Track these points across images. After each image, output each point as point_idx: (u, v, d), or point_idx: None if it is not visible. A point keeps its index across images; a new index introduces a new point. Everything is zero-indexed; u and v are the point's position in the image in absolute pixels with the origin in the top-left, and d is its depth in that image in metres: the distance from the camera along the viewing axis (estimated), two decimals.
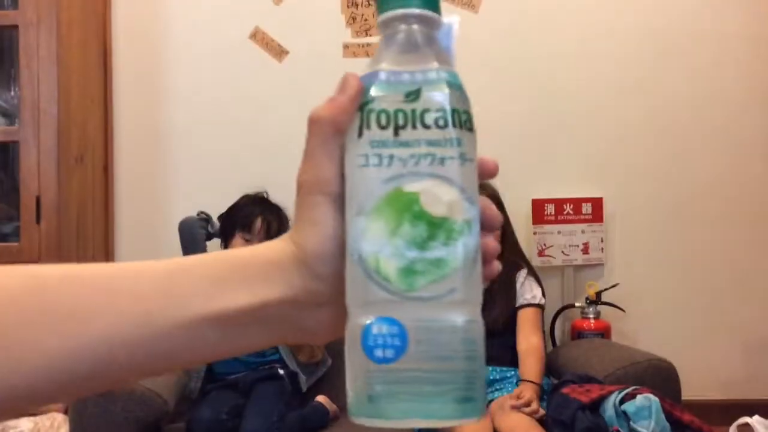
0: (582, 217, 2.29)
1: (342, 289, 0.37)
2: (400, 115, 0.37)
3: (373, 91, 0.38)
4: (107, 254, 2.28)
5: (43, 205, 2.27)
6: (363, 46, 2.32)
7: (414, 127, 0.37)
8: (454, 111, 0.37)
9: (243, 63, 2.33)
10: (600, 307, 2.19)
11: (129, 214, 2.34)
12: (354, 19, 2.32)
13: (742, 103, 2.35)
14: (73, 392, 0.37)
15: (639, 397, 1.57)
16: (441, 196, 0.36)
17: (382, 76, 0.38)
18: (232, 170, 2.32)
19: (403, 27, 0.39)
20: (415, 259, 0.36)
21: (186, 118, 2.34)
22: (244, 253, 0.40)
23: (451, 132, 0.37)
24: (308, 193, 0.39)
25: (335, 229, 0.38)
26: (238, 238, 2.01)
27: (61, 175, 2.26)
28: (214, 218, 2.11)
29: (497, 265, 0.40)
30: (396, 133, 0.37)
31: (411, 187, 0.36)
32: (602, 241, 2.30)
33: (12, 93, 2.41)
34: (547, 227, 2.29)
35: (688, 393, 1.80)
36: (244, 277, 0.38)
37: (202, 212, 2.09)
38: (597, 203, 2.30)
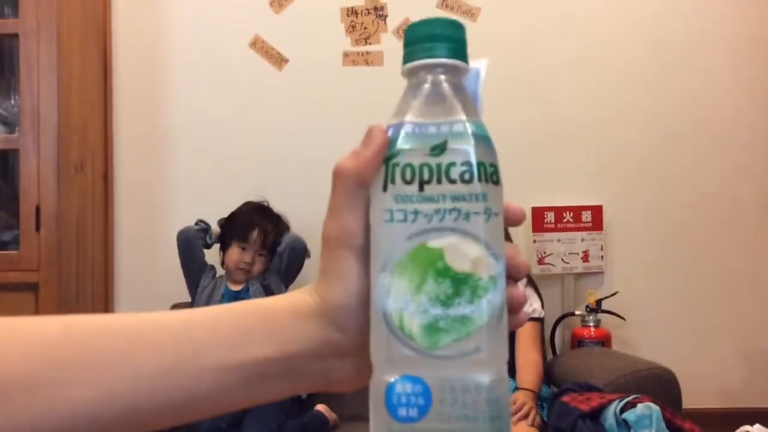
0: (582, 225, 2.29)
1: (366, 342, 0.37)
2: (426, 170, 0.36)
3: (399, 144, 0.37)
4: (106, 262, 2.28)
5: (42, 213, 2.27)
6: (362, 54, 2.32)
7: (439, 181, 0.36)
8: (479, 165, 0.36)
9: (243, 71, 2.33)
10: (600, 315, 2.19)
11: (129, 222, 2.34)
12: (353, 27, 2.33)
13: (742, 112, 2.35)
14: None
15: (640, 405, 1.57)
16: (466, 252, 0.36)
17: (408, 128, 0.38)
18: (232, 178, 2.32)
19: (429, 77, 0.39)
20: (439, 317, 0.35)
21: (186, 126, 2.34)
22: (268, 303, 0.40)
23: (477, 187, 0.36)
24: (334, 246, 0.38)
25: (360, 283, 0.38)
26: (234, 247, 2.02)
27: (61, 183, 2.26)
28: (214, 226, 2.11)
29: (524, 316, 0.40)
30: (421, 188, 0.36)
31: (435, 243, 0.36)
32: (602, 249, 2.30)
33: (12, 101, 2.41)
34: (547, 235, 2.29)
35: (688, 401, 1.80)
36: (268, 328, 0.38)
37: (200, 221, 2.09)
38: (597, 211, 2.30)
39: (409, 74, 0.39)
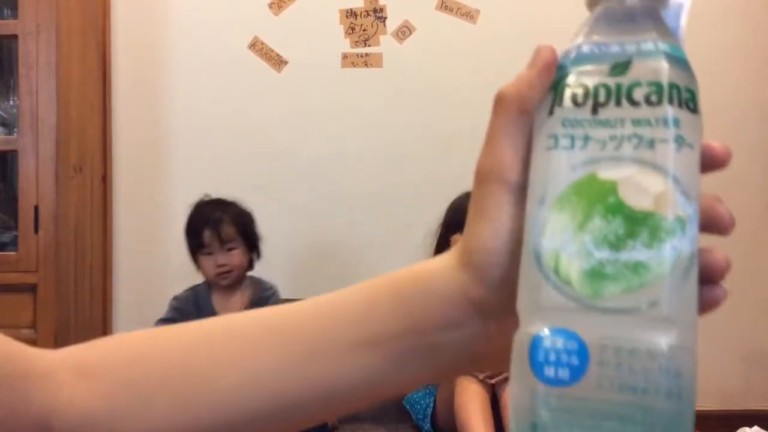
0: None
1: (515, 299, 0.31)
2: (602, 90, 0.31)
3: (571, 64, 0.32)
4: (105, 264, 2.28)
5: (41, 214, 2.27)
6: (361, 56, 2.32)
7: (618, 103, 0.30)
8: (671, 86, 0.30)
9: (242, 73, 2.33)
10: None
11: (127, 223, 2.34)
12: (353, 29, 2.33)
13: (739, 117, 2.35)
14: None
15: None
16: (646, 186, 0.29)
17: (584, 47, 0.32)
18: (230, 179, 2.32)
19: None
20: (605, 261, 0.29)
21: (185, 128, 2.34)
22: (401, 271, 0.36)
23: (666, 110, 0.30)
24: (484, 181, 0.33)
25: (511, 224, 0.32)
26: (200, 258, 1.92)
27: (60, 184, 2.26)
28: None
29: (722, 292, 0.31)
30: (594, 110, 0.31)
31: (608, 173, 0.30)
32: None
33: (11, 102, 2.41)
34: None
35: None
36: (394, 298, 0.34)
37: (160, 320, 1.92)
38: None
39: (593, 3, 0.33)
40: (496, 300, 0.32)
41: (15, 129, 2.33)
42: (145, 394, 0.35)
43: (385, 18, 2.32)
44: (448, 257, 0.34)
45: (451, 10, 2.33)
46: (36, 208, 2.27)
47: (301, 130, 2.33)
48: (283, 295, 2.16)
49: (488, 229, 0.32)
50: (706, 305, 0.30)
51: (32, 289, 2.25)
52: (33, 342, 2.20)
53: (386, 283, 0.35)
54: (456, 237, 1.91)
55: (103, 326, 2.24)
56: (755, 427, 1.73)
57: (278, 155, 2.32)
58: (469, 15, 2.33)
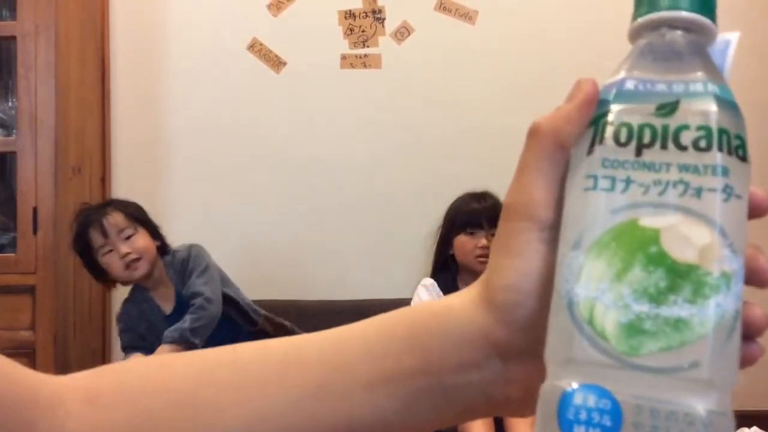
0: None
1: (539, 343, 0.29)
2: (647, 131, 0.29)
3: (614, 101, 0.30)
4: None
5: (39, 215, 2.27)
6: (360, 57, 2.32)
7: (664, 146, 0.28)
8: (721, 132, 0.29)
9: (241, 74, 2.33)
10: None
11: None
12: (351, 30, 2.33)
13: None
14: None
15: None
16: (692, 238, 0.28)
17: (629, 83, 0.30)
18: (230, 181, 2.32)
19: (664, 32, 0.30)
20: (644, 315, 0.27)
21: (184, 129, 2.34)
22: (421, 305, 0.34)
23: (716, 157, 0.28)
24: (513, 218, 0.31)
25: (539, 264, 0.30)
26: (103, 258, 1.79)
27: (58, 185, 2.26)
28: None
29: (759, 350, 0.30)
30: (638, 152, 0.29)
31: (651, 221, 0.28)
32: None
33: (9, 103, 2.41)
34: None
35: None
36: (410, 335, 0.32)
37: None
38: None
39: (637, 32, 0.31)
40: (519, 343, 0.31)
41: (14, 130, 2.33)
42: (151, 426, 0.34)
43: (384, 19, 2.32)
44: (469, 293, 0.32)
45: (450, 11, 2.33)
46: (35, 210, 2.27)
47: (300, 130, 2.33)
48: (282, 297, 2.16)
49: (515, 267, 0.30)
50: (745, 362, 0.29)
51: (31, 290, 2.24)
52: (32, 344, 2.18)
53: (403, 319, 0.34)
54: (460, 238, 1.91)
55: (101, 328, 2.24)
56: (754, 428, 1.73)
57: (277, 156, 2.32)
58: (468, 16, 2.33)
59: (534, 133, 0.32)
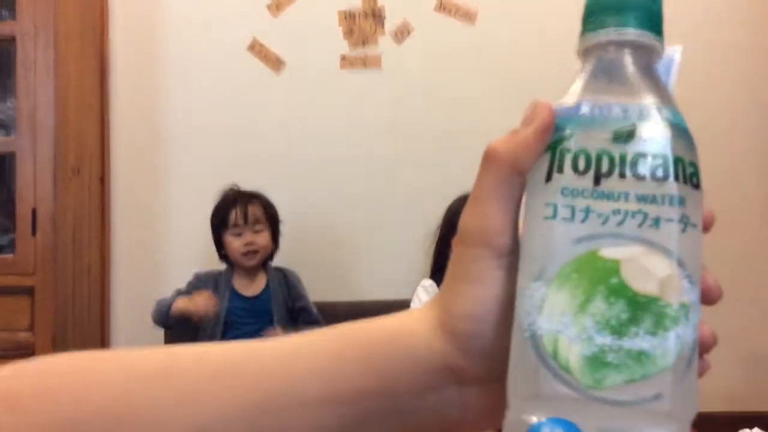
0: None
1: (497, 369, 0.29)
2: (605, 159, 0.29)
3: (571, 126, 0.30)
4: (103, 266, 2.27)
5: (39, 216, 2.26)
6: (360, 57, 2.32)
7: (622, 175, 0.28)
8: (677, 160, 0.29)
9: (241, 74, 2.33)
10: None
11: (126, 225, 2.33)
12: (351, 30, 2.32)
13: (739, 117, 2.35)
14: None
15: None
16: (651, 269, 0.28)
17: (584, 108, 0.30)
18: (229, 181, 2.31)
19: (613, 54, 0.31)
20: (607, 348, 0.27)
21: (184, 130, 2.34)
22: (374, 322, 0.33)
23: (673, 187, 0.29)
24: (469, 243, 0.31)
25: (498, 292, 0.30)
26: (227, 237, 2.00)
27: (58, 186, 2.25)
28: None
29: (706, 365, 0.31)
30: (597, 181, 0.29)
31: (611, 252, 0.28)
32: None
33: (8, 104, 2.40)
34: None
35: None
36: (365, 355, 0.31)
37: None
38: None
39: (586, 52, 0.32)
40: (476, 370, 0.30)
41: (13, 131, 2.33)
42: None
43: (384, 19, 2.32)
44: (426, 315, 0.32)
45: (450, 11, 2.33)
46: (34, 210, 2.27)
47: (300, 131, 2.32)
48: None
49: (474, 295, 0.30)
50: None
51: (30, 291, 2.24)
52: (31, 345, 2.18)
53: (356, 338, 0.32)
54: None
55: (101, 328, 2.23)
56: (756, 429, 1.72)
57: (277, 156, 2.31)
58: (468, 16, 2.33)
59: (491, 158, 0.31)
